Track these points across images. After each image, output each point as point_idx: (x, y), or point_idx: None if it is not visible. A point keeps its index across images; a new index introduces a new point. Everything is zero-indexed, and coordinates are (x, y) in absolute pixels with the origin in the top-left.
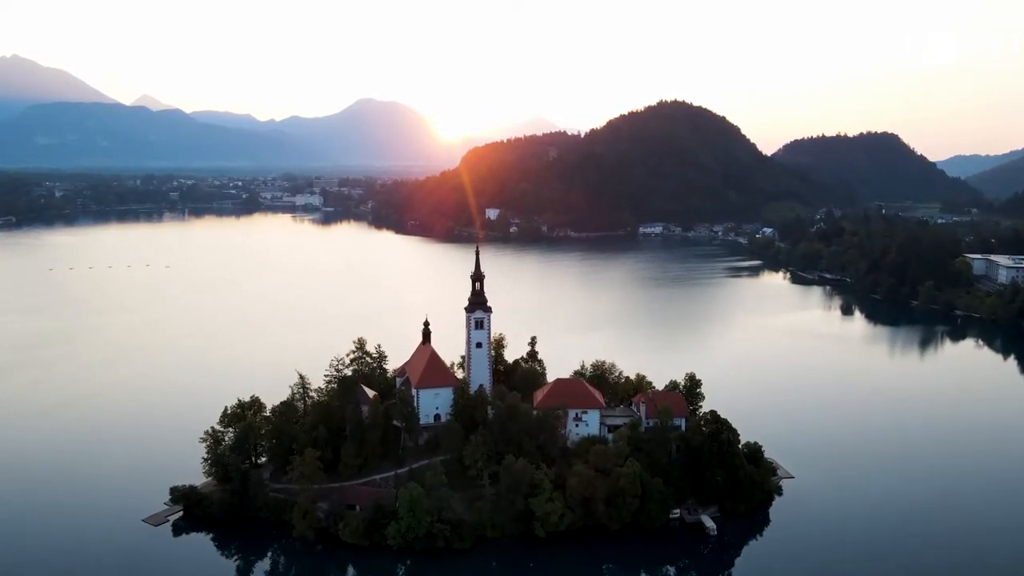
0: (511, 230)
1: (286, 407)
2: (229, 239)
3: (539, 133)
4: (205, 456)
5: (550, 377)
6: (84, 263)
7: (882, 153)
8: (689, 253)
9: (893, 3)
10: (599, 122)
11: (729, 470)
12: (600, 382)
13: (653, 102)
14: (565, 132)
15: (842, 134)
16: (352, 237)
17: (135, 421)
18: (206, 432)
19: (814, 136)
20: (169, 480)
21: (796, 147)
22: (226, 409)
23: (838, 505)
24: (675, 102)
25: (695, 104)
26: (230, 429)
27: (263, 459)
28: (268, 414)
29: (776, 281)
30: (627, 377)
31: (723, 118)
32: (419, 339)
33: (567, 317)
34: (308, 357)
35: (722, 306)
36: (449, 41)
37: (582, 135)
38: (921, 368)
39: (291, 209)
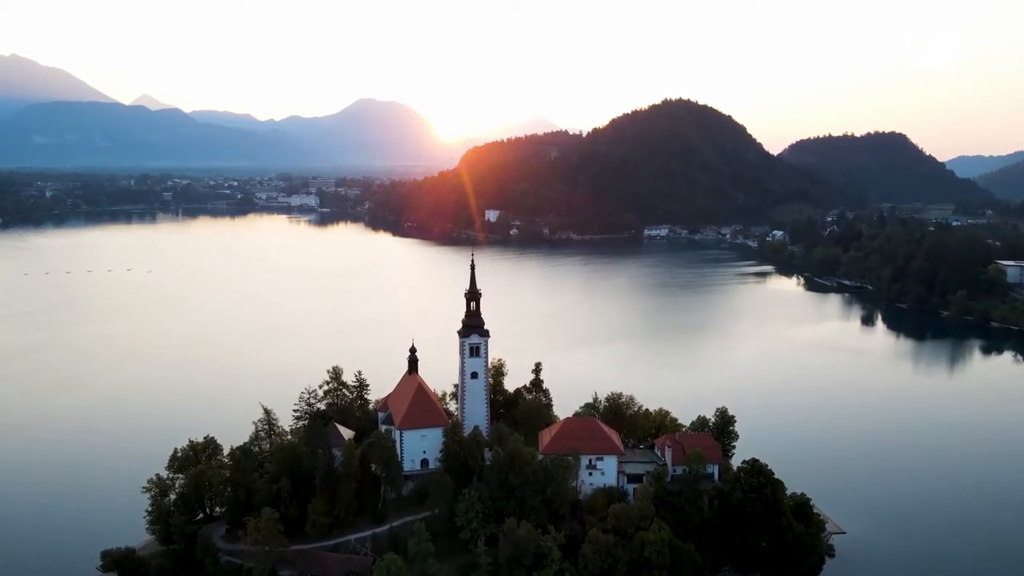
0: (511, 232)
1: (244, 453)
2: (219, 241)
3: (540, 133)
4: (148, 509)
5: (557, 410)
6: (64, 267)
7: (890, 153)
8: (697, 257)
9: (892, 3)
10: (600, 123)
11: (775, 532)
12: (616, 417)
13: (657, 100)
14: (566, 132)
15: (849, 134)
16: (347, 239)
17: (70, 462)
18: (150, 480)
19: (820, 136)
20: (103, 539)
21: (802, 147)
22: (175, 452)
23: (900, 566)
24: (680, 100)
25: (700, 103)
26: (179, 476)
27: (221, 509)
28: (225, 457)
29: (791, 288)
30: (646, 409)
31: (729, 117)
32: (405, 362)
33: (573, 329)
34: (279, 382)
35: (737, 316)
36: (449, 41)
37: (583, 135)
38: (968, 388)
39: (287, 210)
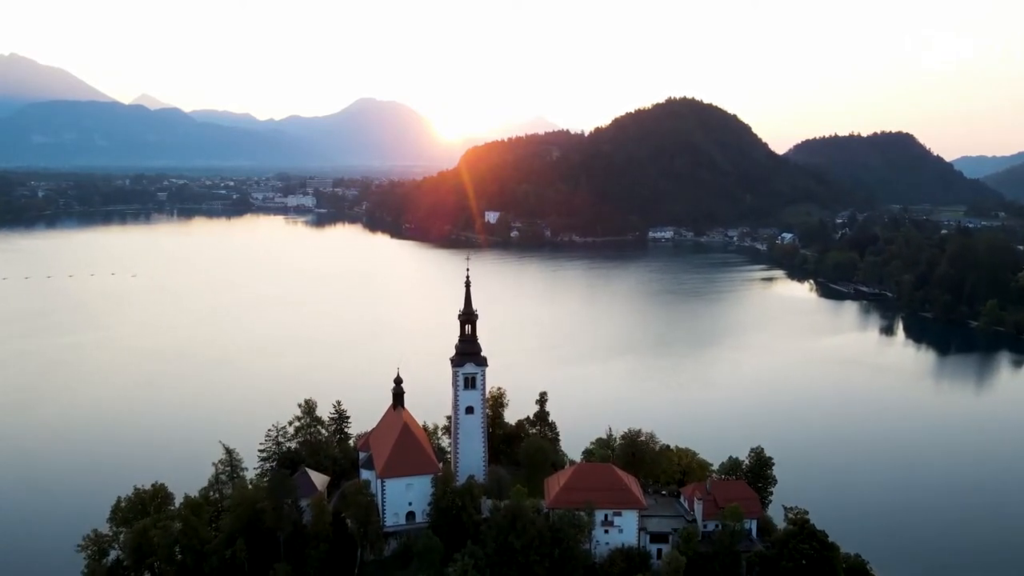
0: (512, 234)
1: (193, 508)
2: (211, 243)
3: (541, 133)
4: (84, 572)
5: (565, 447)
6: (45, 271)
7: (897, 153)
8: (704, 261)
9: (892, 3)
10: (602, 123)
11: None
12: (634, 459)
13: (661, 99)
14: (568, 131)
15: (855, 134)
16: (343, 241)
17: None
18: (86, 537)
19: (825, 136)
20: None
21: (807, 147)
22: (119, 501)
23: None
24: (684, 99)
25: (705, 102)
26: (122, 530)
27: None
28: (177, 507)
29: (804, 294)
30: (667, 446)
31: (734, 116)
32: (392, 381)
33: (578, 342)
34: (248, 412)
35: (752, 326)
36: (450, 41)
37: (585, 135)
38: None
39: (283, 210)
